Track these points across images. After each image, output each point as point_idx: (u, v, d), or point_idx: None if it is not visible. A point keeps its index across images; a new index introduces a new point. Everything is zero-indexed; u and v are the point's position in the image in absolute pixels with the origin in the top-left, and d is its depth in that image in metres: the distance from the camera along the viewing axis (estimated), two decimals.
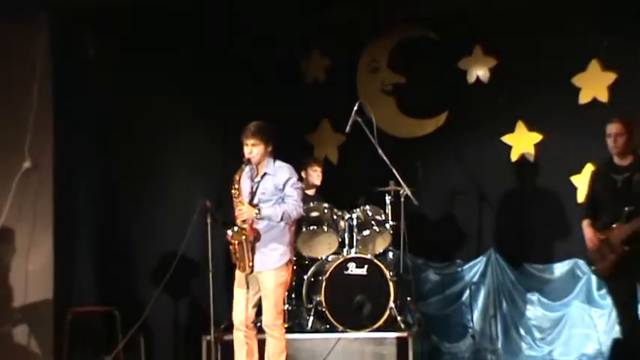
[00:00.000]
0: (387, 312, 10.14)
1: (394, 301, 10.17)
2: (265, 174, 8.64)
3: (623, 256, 8.56)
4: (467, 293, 11.29)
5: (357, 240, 10.55)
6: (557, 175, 11.12)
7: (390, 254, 10.73)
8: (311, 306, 10.34)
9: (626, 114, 9.30)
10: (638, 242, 8.51)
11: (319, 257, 10.61)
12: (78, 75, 10.58)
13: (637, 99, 10.50)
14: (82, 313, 10.21)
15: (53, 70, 10.32)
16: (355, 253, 10.42)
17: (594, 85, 10.97)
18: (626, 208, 8.54)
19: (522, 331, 11.00)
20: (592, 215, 8.86)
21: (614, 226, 8.63)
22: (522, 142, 11.32)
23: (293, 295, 10.36)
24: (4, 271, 10.30)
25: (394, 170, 10.62)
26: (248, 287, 8.65)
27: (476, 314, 11.18)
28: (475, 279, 11.29)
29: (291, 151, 9.53)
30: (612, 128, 8.75)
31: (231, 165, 8.86)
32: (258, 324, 8.80)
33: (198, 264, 10.27)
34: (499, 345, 11.02)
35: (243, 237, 8.53)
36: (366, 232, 10.56)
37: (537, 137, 11.25)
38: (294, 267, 9.38)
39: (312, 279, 10.47)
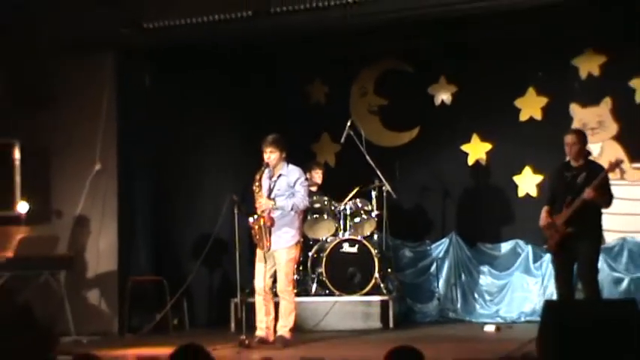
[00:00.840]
0: (373, 281, 10.40)
1: (378, 272, 10.43)
2: (280, 175, 8.94)
3: (565, 235, 8.56)
4: (434, 266, 11.28)
5: (349, 225, 10.74)
6: (502, 175, 11.26)
7: (375, 236, 10.90)
8: (314, 276, 10.61)
9: (555, 130, 9.57)
10: (577, 224, 8.51)
11: (320, 238, 10.84)
12: (136, 98, 10.84)
13: (563, 117, 10.75)
14: (138, 282, 10.50)
15: (117, 94, 10.54)
16: (348, 235, 10.65)
17: (531, 106, 11.10)
18: (569, 197, 8.54)
19: (476, 295, 11.09)
20: (550, 204, 8.82)
21: (554, 216, 8.68)
22: (477, 150, 11.40)
23: (300, 268, 10.49)
24: (81, 249, 10.50)
25: (378, 171, 10.90)
26: (266, 261, 8.86)
27: (441, 282, 11.21)
28: (440, 255, 11.30)
29: (299, 157, 9.76)
30: (568, 139, 8.73)
31: (253, 167, 9.16)
32: (274, 290, 9.07)
33: (228, 244, 10.34)
34: (458, 305, 11.12)
35: (262, 223, 8.81)
36: (357, 219, 10.80)
37: (488, 146, 11.35)
38: (302, 246, 9.51)
39: (315, 255, 10.70)
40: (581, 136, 8.90)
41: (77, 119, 10.61)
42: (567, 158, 8.87)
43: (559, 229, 8.69)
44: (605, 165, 8.90)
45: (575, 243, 8.65)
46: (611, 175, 8.90)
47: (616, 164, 8.90)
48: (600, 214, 8.81)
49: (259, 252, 8.99)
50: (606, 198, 8.69)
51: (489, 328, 10.08)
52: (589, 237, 8.70)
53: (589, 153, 8.93)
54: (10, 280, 9.73)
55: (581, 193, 8.57)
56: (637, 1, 9.35)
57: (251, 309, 9.27)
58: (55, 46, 10.56)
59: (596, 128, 10.79)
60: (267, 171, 9.00)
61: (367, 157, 10.97)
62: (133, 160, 10.88)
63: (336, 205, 10.88)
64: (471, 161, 11.51)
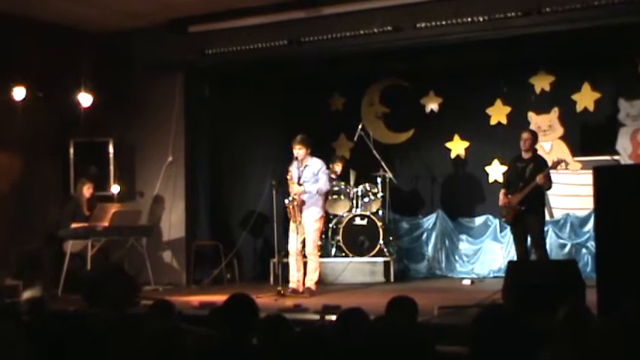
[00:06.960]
0: (378, 246, 10.39)
1: (382, 240, 10.42)
2: (307, 166, 8.91)
3: (518, 212, 8.67)
4: (425, 235, 11.21)
5: (360, 204, 10.69)
6: (477, 166, 11.19)
7: (380, 212, 10.82)
8: (334, 242, 10.59)
9: (517, 132, 9.37)
10: (527, 203, 8.60)
11: (339, 214, 10.76)
12: (198, 107, 10.75)
13: (522, 122, 10.56)
14: (200, 245, 10.52)
15: (185, 104, 10.52)
16: (360, 211, 10.60)
17: (499, 113, 11.03)
18: (521, 184, 8.65)
19: (456, 257, 11.07)
20: (506, 188, 8.92)
21: (509, 196, 8.79)
22: (457, 147, 11.31)
23: (323, 236, 10.25)
24: (158, 220, 10.56)
25: (382, 163, 10.83)
26: (297, 231, 8.89)
27: (430, 247, 11.15)
28: (429, 227, 11.22)
29: (323, 151, 9.86)
30: (524, 135, 8.85)
31: (287, 160, 9.26)
32: (303, 252, 9.02)
33: (267, 217, 10.32)
34: (443, 265, 11.07)
35: (295, 203, 8.84)
36: (366, 199, 10.73)
37: (466, 144, 11.26)
38: (325, 220, 9.52)
39: (335, 227, 10.65)
40: (534, 134, 9.02)
41: (155, 123, 10.60)
42: (521, 152, 8.90)
43: (515, 208, 8.73)
44: (550, 161, 8.91)
45: (526, 218, 8.73)
46: (558, 167, 8.94)
47: (558, 162, 8.89)
48: (544, 196, 8.98)
49: (292, 224, 8.97)
50: (549, 184, 8.80)
51: (466, 282, 10.09)
52: (536, 213, 8.76)
53: (536, 149, 8.97)
54: (106, 244, 9.76)
55: (528, 181, 8.64)
56: (577, 35, 9.22)
57: (285, 267, 9.28)
58: (138, 65, 10.59)
59: (547, 131, 10.72)
60: (295, 163, 8.96)
61: (374, 152, 10.91)
62: (196, 154, 10.84)
63: (350, 188, 10.79)
64: (453, 155, 11.43)
